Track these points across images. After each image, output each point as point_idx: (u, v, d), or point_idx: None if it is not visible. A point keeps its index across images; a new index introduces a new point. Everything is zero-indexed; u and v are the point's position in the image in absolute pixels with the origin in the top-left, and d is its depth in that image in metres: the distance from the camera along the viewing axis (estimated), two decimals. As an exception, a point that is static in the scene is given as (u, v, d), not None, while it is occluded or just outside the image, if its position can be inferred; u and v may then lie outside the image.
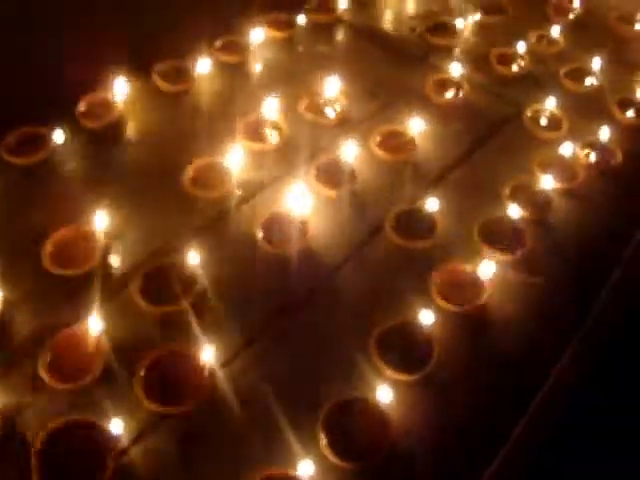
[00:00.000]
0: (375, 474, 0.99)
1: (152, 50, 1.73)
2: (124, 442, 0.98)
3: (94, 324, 1.11)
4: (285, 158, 1.50)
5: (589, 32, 2.07)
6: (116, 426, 0.98)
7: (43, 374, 1.04)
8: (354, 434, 1.01)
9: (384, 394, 1.04)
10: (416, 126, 1.58)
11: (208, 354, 1.08)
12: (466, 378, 1.13)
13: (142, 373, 1.06)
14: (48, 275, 1.20)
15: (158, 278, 1.20)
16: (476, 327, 1.20)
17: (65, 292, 1.19)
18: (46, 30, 1.67)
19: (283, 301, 1.21)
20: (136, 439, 1.00)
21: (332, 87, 1.67)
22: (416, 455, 1.01)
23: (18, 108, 1.48)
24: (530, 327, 1.22)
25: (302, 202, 1.35)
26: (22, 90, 1.51)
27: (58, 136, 1.48)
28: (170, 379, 1.06)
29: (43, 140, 1.46)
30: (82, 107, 1.57)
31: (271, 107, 1.59)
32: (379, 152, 1.53)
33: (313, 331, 1.17)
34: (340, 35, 2.02)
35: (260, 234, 1.29)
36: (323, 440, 0.99)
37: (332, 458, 0.98)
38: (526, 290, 1.28)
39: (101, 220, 1.29)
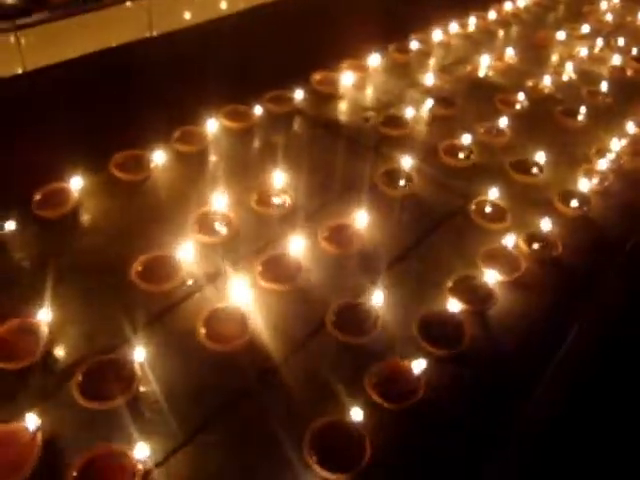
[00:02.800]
0: None
1: (110, 141, 1.77)
2: None
3: (31, 421, 1.11)
4: (233, 251, 1.53)
5: (535, 124, 2.17)
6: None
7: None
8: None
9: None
10: (363, 219, 1.63)
11: (142, 453, 1.08)
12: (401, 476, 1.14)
13: (75, 474, 1.05)
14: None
15: (99, 375, 1.20)
16: (411, 423, 1.21)
17: (3, 387, 1.19)
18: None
19: (223, 398, 1.22)
20: None
21: (282, 180, 1.73)
22: None
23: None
24: (464, 422, 1.23)
25: (246, 297, 1.38)
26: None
27: (9, 225, 1.51)
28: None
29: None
30: (38, 196, 1.60)
31: (222, 200, 1.63)
32: (326, 246, 1.57)
33: (250, 428, 1.18)
34: (296, 125, 2.09)
35: (202, 330, 1.31)
36: None
37: None
38: (460, 384, 1.30)
39: (46, 313, 1.30)
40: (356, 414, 1.16)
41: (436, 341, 1.34)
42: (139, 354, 1.24)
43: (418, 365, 1.27)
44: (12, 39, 1.88)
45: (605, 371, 1.46)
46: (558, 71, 2.52)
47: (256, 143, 1.98)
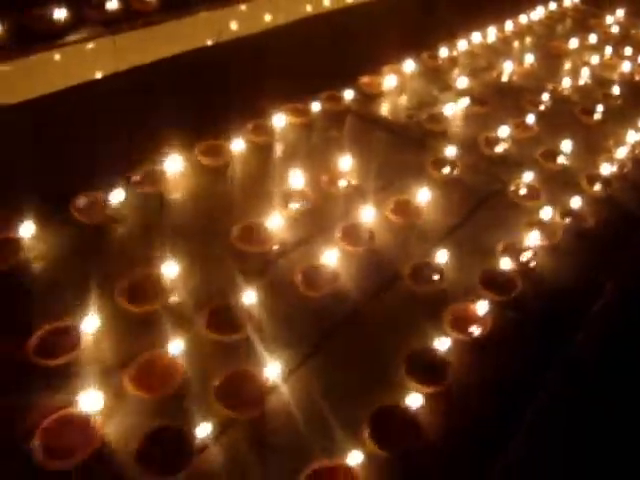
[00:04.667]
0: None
1: (195, 131, 2.03)
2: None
3: (173, 349, 1.36)
4: (314, 222, 1.79)
5: (558, 120, 2.45)
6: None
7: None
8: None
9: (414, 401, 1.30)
10: (422, 196, 1.90)
11: (273, 370, 1.33)
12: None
13: (217, 383, 1.30)
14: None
15: (220, 316, 1.45)
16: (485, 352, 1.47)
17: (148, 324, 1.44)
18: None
19: (320, 329, 1.48)
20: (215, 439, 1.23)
21: (345, 166, 1.99)
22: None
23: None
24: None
25: (331, 256, 1.64)
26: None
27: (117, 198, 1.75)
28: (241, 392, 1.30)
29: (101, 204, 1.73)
30: (137, 177, 1.85)
31: (298, 180, 1.89)
32: (391, 217, 1.83)
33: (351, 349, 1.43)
34: (348, 121, 2.36)
35: (299, 279, 1.56)
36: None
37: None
38: (519, 324, 1.56)
39: (168, 269, 1.55)
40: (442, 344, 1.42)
41: (496, 288, 1.60)
42: (249, 298, 1.48)
43: (482, 307, 1.53)
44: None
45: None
46: (574, 76, 2.80)
47: (315, 136, 2.24)
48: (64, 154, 1.87)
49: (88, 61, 2.22)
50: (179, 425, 1.21)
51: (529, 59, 2.90)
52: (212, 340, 1.41)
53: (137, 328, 1.42)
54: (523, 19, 3.35)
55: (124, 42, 2.28)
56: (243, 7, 2.65)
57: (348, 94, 2.41)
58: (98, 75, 2.27)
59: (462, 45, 2.97)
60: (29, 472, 1.13)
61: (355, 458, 1.19)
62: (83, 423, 1.19)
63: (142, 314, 1.44)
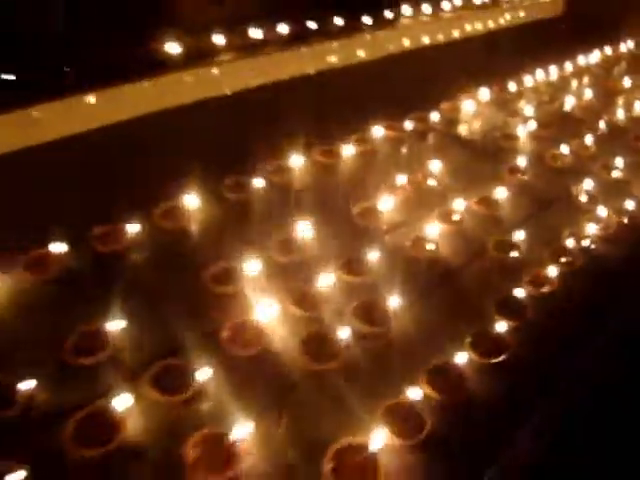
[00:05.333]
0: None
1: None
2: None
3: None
4: (413, 209, 2.25)
5: (613, 144, 2.88)
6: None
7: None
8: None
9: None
10: (499, 193, 2.34)
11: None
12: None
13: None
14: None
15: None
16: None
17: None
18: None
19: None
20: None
21: (435, 170, 2.45)
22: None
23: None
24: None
25: (433, 231, 2.08)
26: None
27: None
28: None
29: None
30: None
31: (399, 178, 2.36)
32: (477, 208, 2.28)
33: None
34: (432, 137, 2.83)
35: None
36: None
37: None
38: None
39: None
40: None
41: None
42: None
43: (553, 271, 1.95)
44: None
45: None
46: (628, 109, 3.23)
47: (406, 148, 2.71)
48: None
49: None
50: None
51: (587, 95, 3.34)
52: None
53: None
54: (581, 61, 3.80)
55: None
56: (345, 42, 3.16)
57: (433, 116, 2.89)
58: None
59: (527, 81, 3.43)
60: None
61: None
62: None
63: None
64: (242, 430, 1.33)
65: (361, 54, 3.19)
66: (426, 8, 3.59)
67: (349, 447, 1.33)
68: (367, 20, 3.20)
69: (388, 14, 3.32)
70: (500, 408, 1.51)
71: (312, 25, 2.84)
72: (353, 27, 3.09)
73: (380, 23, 3.22)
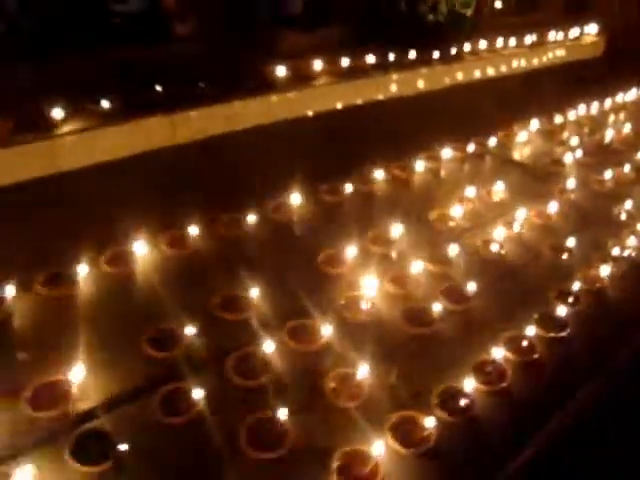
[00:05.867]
0: None
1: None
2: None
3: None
4: (478, 218, 2.65)
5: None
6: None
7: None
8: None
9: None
10: (552, 207, 2.74)
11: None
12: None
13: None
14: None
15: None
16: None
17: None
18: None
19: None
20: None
21: (499, 187, 2.87)
22: None
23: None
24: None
25: (499, 234, 2.48)
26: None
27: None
28: None
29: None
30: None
31: (468, 191, 2.77)
32: (535, 219, 2.68)
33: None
34: (489, 159, 3.25)
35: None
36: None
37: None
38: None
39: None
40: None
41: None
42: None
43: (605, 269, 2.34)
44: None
45: None
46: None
47: (467, 167, 3.13)
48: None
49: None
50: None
51: (625, 129, 3.75)
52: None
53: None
54: (619, 98, 4.22)
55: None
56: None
57: (491, 141, 3.31)
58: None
59: (571, 115, 3.84)
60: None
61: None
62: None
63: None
64: (362, 371, 1.74)
65: (431, 84, 3.61)
66: (483, 45, 4.02)
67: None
68: (436, 55, 3.63)
69: (453, 50, 3.75)
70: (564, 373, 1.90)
71: (392, 57, 3.26)
72: (425, 60, 3.52)
73: (446, 58, 3.64)
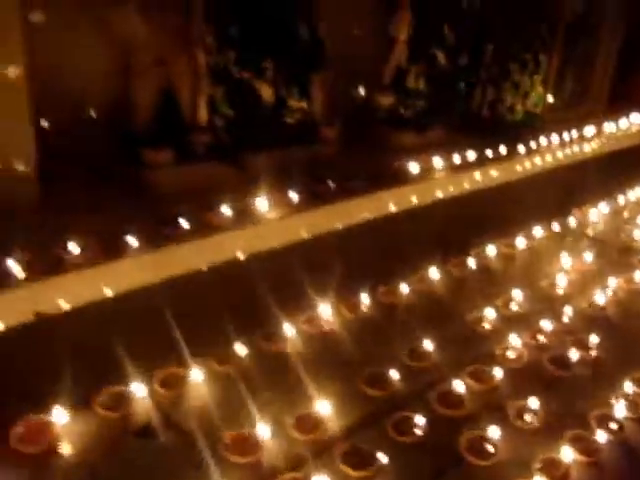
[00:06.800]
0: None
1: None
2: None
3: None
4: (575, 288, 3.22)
5: None
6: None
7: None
8: None
9: None
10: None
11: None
12: None
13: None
14: None
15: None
16: None
17: None
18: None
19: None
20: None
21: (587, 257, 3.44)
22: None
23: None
24: None
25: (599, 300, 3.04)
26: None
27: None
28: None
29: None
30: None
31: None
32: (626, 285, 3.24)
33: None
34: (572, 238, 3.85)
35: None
36: None
37: None
38: None
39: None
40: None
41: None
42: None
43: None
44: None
45: None
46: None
47: (555, 244, 3.72)
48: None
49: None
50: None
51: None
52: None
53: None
54: None
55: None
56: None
57: (570, 221, 3.92)
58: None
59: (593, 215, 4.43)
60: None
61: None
62: None
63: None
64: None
65: (512, 174, 4.20)
66: (555, 139, 4.63)
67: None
68: (518, 148, 4.24)
69: (529, 144, 4.37)
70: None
71: (488, 152, 3.86)
72: (508, 154, 4.10)
73: (525, 151, 4.24)
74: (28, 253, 2.10)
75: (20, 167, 2.46)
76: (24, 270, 2.05)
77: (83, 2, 2.62)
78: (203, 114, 2.81)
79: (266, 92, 2.91)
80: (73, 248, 2.19)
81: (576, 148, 4.61)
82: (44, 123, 2.63)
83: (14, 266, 2.05)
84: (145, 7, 2.63)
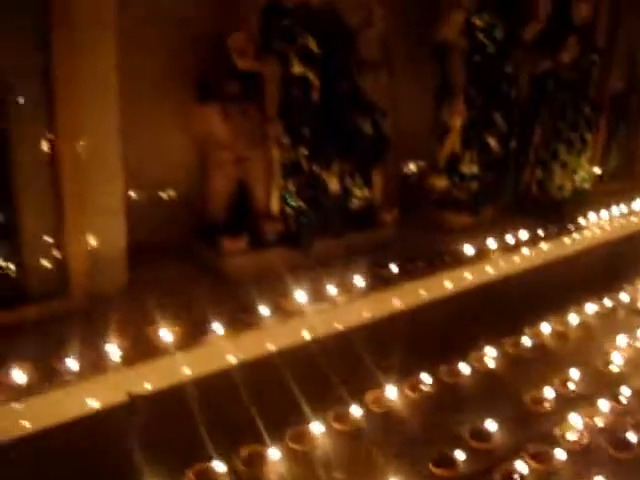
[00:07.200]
0: None
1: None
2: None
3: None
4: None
5: None
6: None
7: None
8: None
9: None
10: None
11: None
12: None
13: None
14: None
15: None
16: None
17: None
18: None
19: None
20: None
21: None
22: None
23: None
24: None
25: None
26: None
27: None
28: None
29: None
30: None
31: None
32: None
33: None
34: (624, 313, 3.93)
35: None
36: None
37: None
38: None
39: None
40: None
41: None
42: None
43: None
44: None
45: None
46: None
47: (609, 320, 3.81)
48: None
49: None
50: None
51: None
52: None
53: None
54: None
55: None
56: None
57: (623, 297, 4.01)
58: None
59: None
60: None
61: None
62: None
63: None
64: None
65: (563, 251, 4.31)
66: (604, 214, 4.74)
67: None
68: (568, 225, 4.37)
69: (579, 221, 4.49)
70: None
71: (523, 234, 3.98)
72: (559, 232, 4.23)
73: (575, 228, 4.37)
74: (123, 337, 2.36)
75: (113, 254, 2.74)
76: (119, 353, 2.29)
77: (168, 101, 2.99)
78: (275, 204, 3.06)
79: (333, 183, 3.15)
80: (163, 333, 2.41)
81: (624, 221, 4.68)
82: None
83: (111, 349, 2.30)
84: (225, 108, 2.92)
